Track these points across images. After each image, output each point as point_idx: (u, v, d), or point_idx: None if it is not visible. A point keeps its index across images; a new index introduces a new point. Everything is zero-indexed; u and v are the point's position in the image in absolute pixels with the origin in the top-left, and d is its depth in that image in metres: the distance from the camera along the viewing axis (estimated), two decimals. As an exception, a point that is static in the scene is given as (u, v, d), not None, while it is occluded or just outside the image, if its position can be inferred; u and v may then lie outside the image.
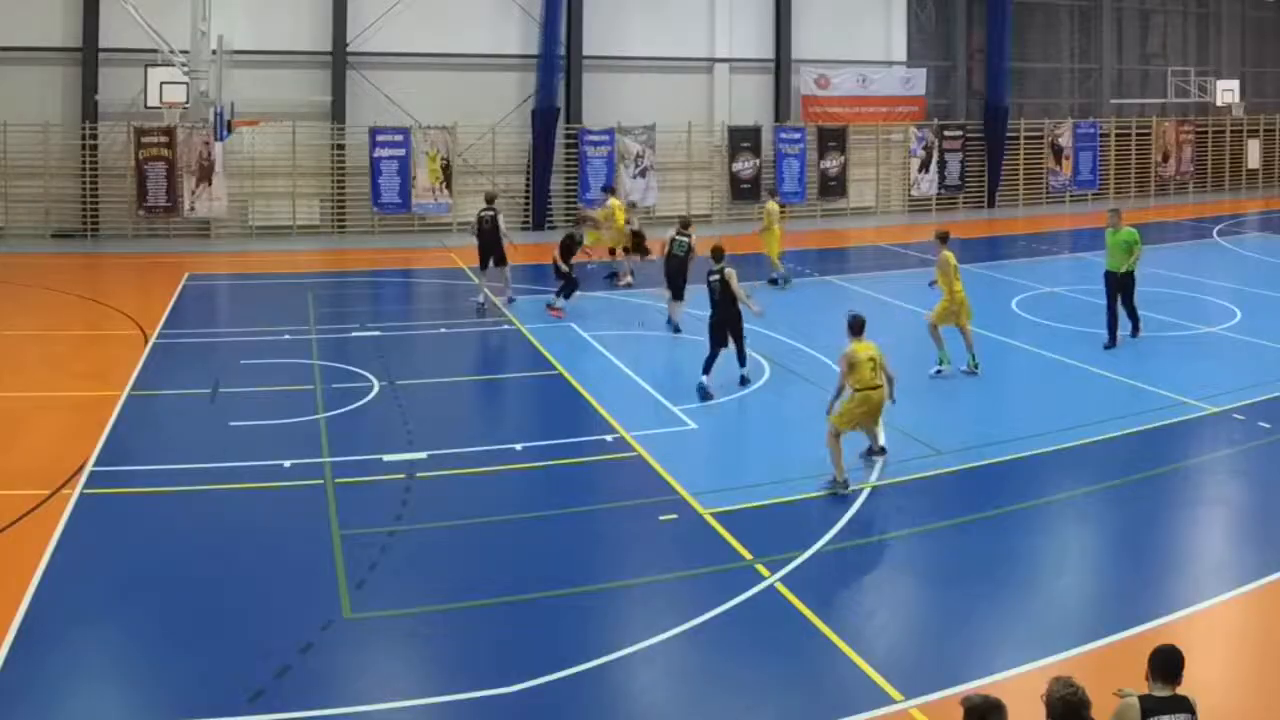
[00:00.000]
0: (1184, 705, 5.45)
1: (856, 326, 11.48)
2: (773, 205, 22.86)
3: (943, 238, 15.75)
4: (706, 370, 14.41)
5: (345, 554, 9.64)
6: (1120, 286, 16.65)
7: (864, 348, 11.27)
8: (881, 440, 11.91)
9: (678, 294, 17.85)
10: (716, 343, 14.57)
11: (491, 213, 19.40)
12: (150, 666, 7.94)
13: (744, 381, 14.75)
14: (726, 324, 14.57)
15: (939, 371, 15.22)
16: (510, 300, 19.97)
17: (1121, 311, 16.86)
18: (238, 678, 7.62)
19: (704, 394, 14.22)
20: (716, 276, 14.55)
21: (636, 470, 11.81)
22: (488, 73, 29.75)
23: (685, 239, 18.30)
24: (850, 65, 33.35)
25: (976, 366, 15.35)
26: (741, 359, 14.83)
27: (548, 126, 29.61)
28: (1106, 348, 16.47)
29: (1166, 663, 5.49)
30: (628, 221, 22.28)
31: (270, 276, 23.31)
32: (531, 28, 29.73)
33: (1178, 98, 36.99)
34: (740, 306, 14.55)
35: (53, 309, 19.64)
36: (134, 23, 21.48)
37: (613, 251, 22.56)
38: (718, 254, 14.80)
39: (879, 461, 11.74)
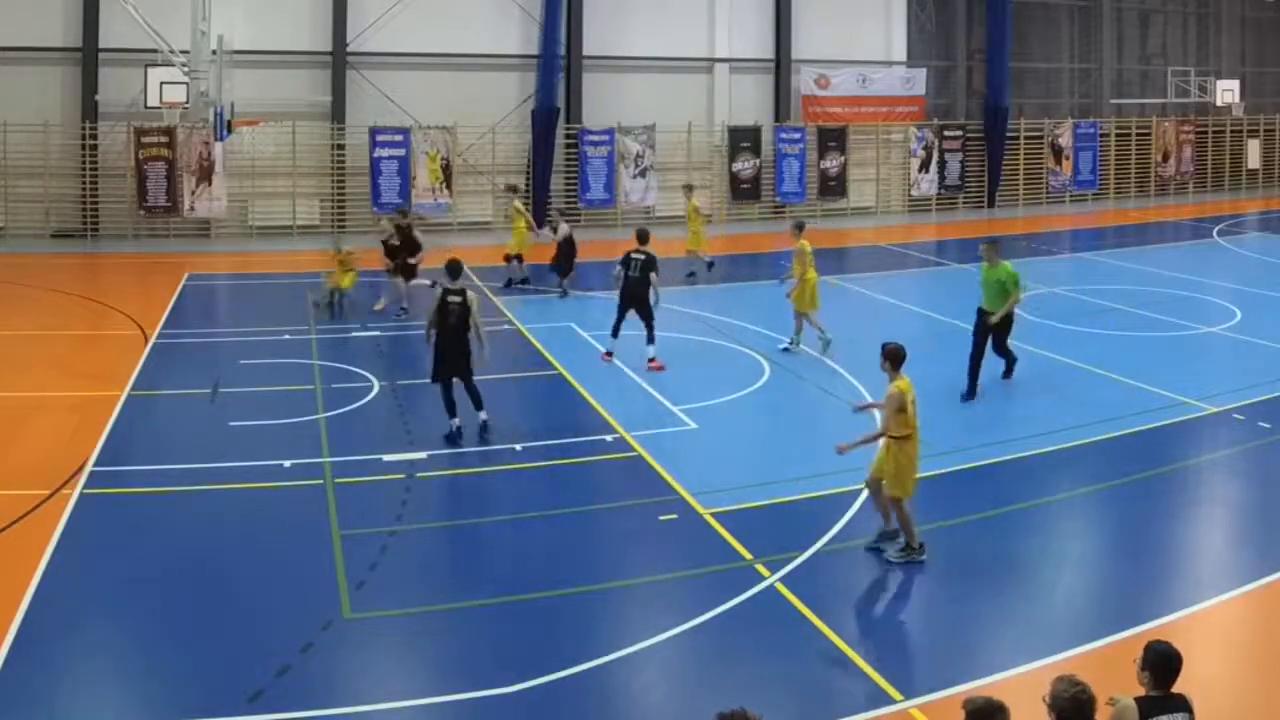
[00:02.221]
0: (1181, 704, 5.42)
1: (898, 358, 9.73)
2: (695, 201, 23.73)
3: (799, 226, 17.26)
4: (451, 412, 12.63)
5: (345, 554, 9.65)
6: (991, 328, 14.51)
7: (909, 384, 9.64)
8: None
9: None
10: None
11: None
12: (150, 666, 7.94)
13: (485, 427, 12.61)
14: (454, 355, 12.54)
15: (786, 349, 16.65)
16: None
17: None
18: (238, 678, 7.62)
19: (452, 438, 12.53)
20: (458, 299, 12.51)
21: (636, 470, 11.81)
22: (488, 73, 29.76)
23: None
24: (850, 65, 33.36)
25: (797, 344, 16.72)
26: (476, 400, 12.66)
27: (548, 126, 29.61)
28: (965, 399, 14.33)
29: (1166, 662, 5.46)
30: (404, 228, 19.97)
31: (270, 276, 23.30)
32: (531, 28, 29.73)
33: (1178, 98, 36.98)
34: (472, 340, 12.57)
35: (53, 309, 19.64)
36: (134, 23, 21.48)
37: (508, 258, 21.91)
38: (455, 270, 12.83)
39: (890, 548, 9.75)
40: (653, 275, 16.02)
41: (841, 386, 14.86)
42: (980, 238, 29.37)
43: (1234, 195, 38.53)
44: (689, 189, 24.70)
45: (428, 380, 12.80)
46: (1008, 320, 14.60)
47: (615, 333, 16.23)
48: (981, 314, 14.63)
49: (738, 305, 20.26)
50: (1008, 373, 15.01)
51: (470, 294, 12.67)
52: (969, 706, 5.13)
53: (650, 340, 15.83)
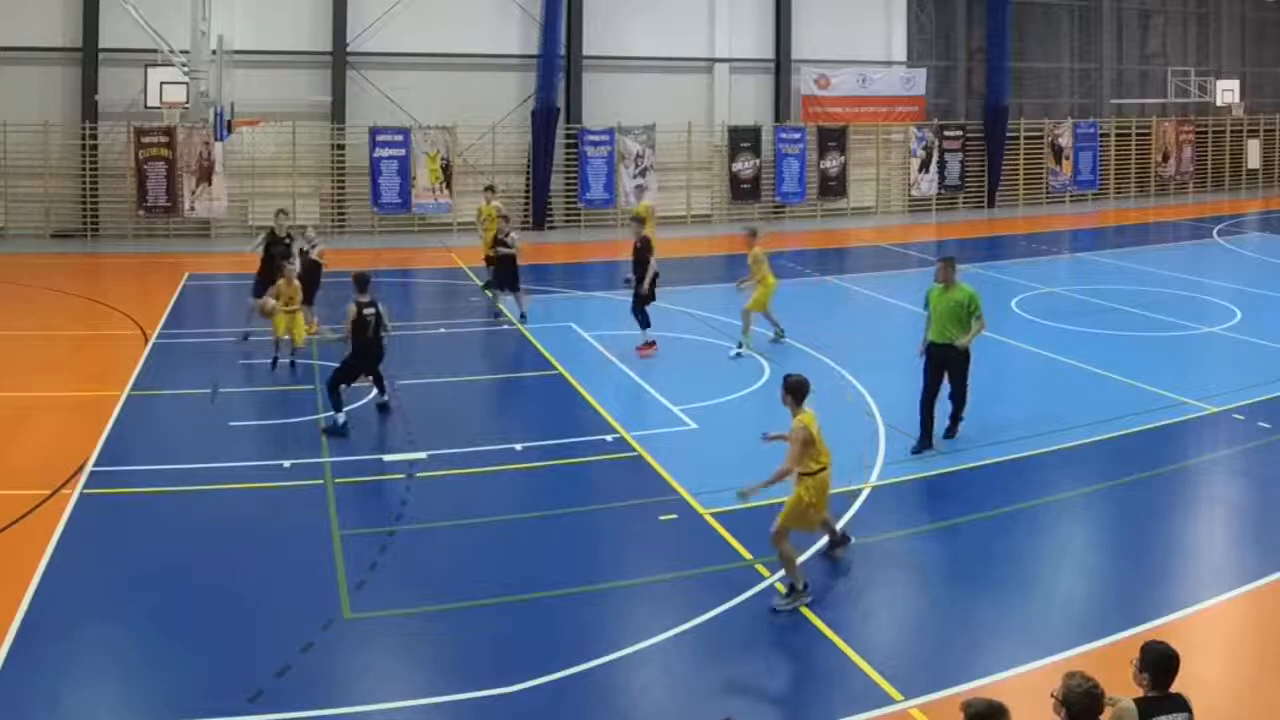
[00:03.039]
0: (1180, 705, 5.42)
1: (801, 391, 9.03)
2: (645, 205, 23.16)
3: (753, 233, 17.40)
4: (337, 406, 12.97)
5: (345, 554, 9.65)
6: (948, 363, 12.34)
7: (812, 416, 8.97)
8: (840, 522, 9.91)
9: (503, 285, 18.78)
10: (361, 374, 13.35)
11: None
12: (150, 666, 7.94)
13: (385, 408, 13.60)
14: (371, 359, 13.32)
15: (738, 354, 16.44)
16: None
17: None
18: (238, 678, 7.63)
19: (336, 429, 12.88)
20: (373, 310, 13.14)
21: (636, 470, 11.81)
22: (488, 73, 29.77)
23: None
24: (850, 65, 33.38)
25: (781, 335, 17.19)
26: (382, 385, 13.63)
27: (548, 126, 29.63)
28: (915, 452, 12.26)
29: (1165, 662, 5.45)
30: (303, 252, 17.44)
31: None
32: (531, 28, 29.74)
33: (1178, 98, 37.00)
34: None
35: (53, 309, 19.64)
36: (134, 23, 21.49)
37: (489, 260, 20.94)
38: (363, 282, 13.28)
39: (851, 541, 9.74)
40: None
41: (842, 386, 14.86)
42: (979, 238, 29.57)
43: (1234, 195, 38.54)
44: (642, 191, 24.64)
45: (427, 380, 12.73)
46: (965, 355, 12.34)
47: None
48: (934, 349, 12.39)
49: (738, 305, 20.23)
50: (953, 428, 12.63)
51: (381, 303, 13.32)
52: (970, 710, 5.10)
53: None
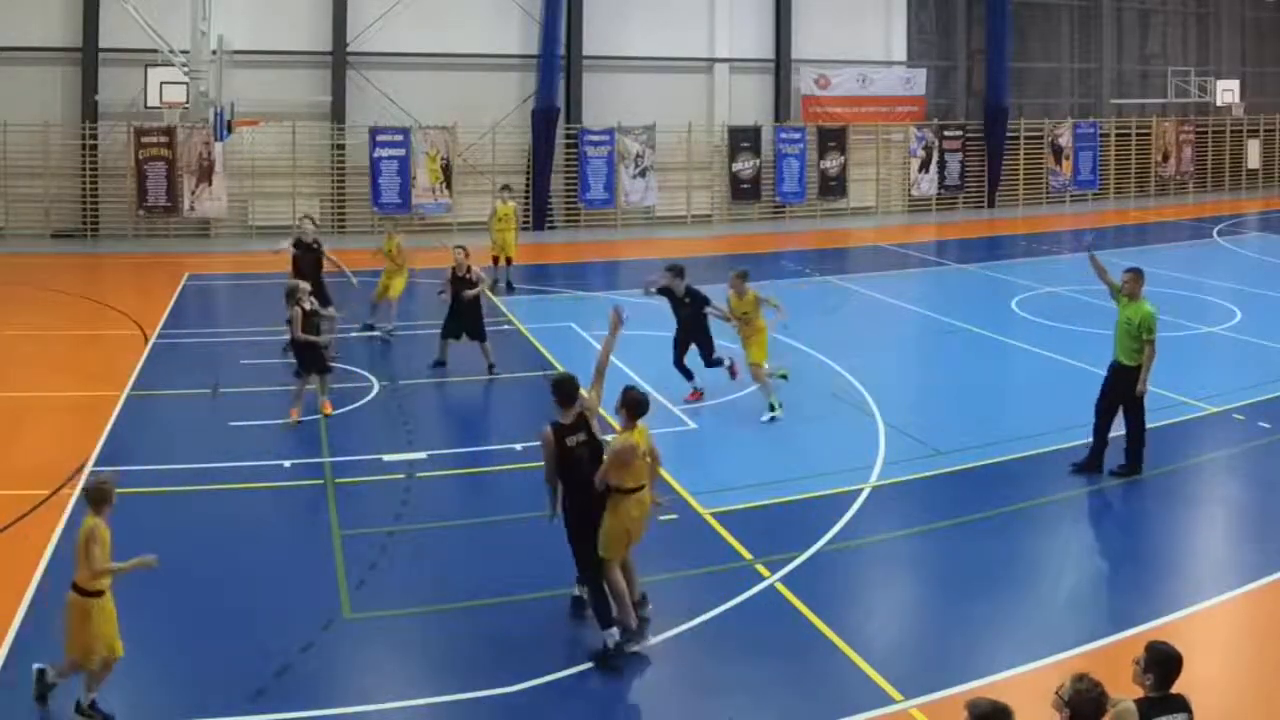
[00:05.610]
0: (1181, 705, 5.42)
1: (639, 406, 8.37)
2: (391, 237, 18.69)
3: (744, 275, 14.21)
4: None
5: (345, 554, 9.65)
6: (1119, 387, 11.44)
7: (642, 434, 8.28)
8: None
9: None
10: None
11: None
12: (150, 666, 7.93)
13: None
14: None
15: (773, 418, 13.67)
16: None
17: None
18: (238, 677, 7.63)
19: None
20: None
21: (636, 470, 11.77)
22: (488, 73, 29.76)
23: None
24: (850, 65, 33.37)
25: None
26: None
27: (548, 126, 29.62)
28: (1078, 470, 11.54)
29: (1169, 662, 5.46)
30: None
31: (270, 276, 23.25)
32: (531, 28, 29.73)
33: (1178, 98, 36.99)
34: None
35: (53, 309, 19.63)
36: (134, 23, 21.48)
37: (496, 260, 21.39)
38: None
39: (648, 625, 8.24)
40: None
41: (842, 386, 14.86)
42: (979, 238, 29.55)
43: (1234, 195, 38.53)
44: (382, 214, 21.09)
45: (427, 380, 12.68)
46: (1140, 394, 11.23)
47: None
48: (1115, 370, 11.49)
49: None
50: (1128, 464, 11.44)
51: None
52: (975, 710, 5.09)
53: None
